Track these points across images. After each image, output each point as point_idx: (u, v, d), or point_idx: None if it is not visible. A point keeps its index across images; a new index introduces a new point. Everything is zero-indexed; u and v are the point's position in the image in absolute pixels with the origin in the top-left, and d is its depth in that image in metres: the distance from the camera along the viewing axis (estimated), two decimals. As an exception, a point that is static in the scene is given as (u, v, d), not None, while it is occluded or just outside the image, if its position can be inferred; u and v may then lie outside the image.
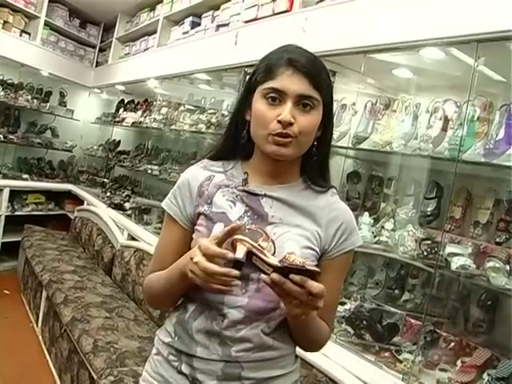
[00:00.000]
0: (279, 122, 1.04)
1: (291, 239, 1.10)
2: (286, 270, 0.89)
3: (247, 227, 1.03)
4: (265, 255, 0.94)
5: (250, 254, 0.92)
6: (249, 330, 1.09)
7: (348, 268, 1.23)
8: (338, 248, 1.15)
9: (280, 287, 0.91)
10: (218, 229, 1.09)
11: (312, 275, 0.90)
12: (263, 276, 0.93)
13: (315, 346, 1.24)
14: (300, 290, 0.89)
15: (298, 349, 1.24)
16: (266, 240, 1.01)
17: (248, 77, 1.18)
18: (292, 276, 0.88)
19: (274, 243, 1.00)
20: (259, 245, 0.98)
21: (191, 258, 0.99)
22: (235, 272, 0.93)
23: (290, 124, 1.04)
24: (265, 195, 1.14)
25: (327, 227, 1.14)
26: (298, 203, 1.14)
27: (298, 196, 1.15)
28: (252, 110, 1.12)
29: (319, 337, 1.19)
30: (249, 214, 1.13)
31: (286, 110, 1.04)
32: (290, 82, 1.06)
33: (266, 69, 1.10)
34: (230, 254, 0.93)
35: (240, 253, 0.92)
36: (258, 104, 1.09)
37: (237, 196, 1.15)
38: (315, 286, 0.90)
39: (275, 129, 1.05)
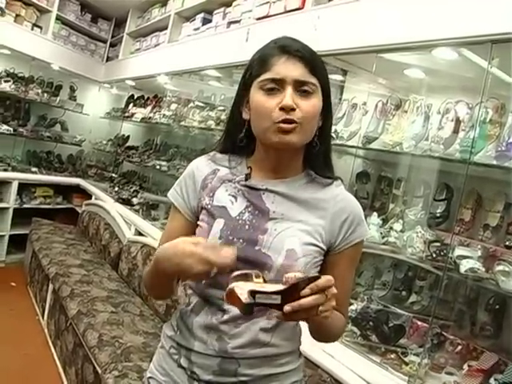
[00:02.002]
0: (281, 109, 1.03)
1: (292, 235, 1.08)
2: (292, 289, 0.88)
3: (235, 274, 0.98)
4: (266, 288, 0.91)
5: (253, 293, 0.89)
6: (247, 326, 1.09)
7: (358, 258, 1.22)
8: (346, 241, 1.13)
9: (300, 312, 0.88)
10: (218, 226, 1.10)
11: (315, 280, 0.88)
12: (278, 316, 0.91)
13: (334, 338, 1.24)
14: (316, 296, 0.87)
15: (302, 348, 1.23)
16: (258, 276, 0.97)
17: (242, 75, 1.17)
18: (303, 292, 0.87)
19: (264, 279, 0.97)
20: (254, 283, 0.94)
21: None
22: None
23: (293, 109, 1.03)
24: (266, 190, 1.13)
25: (333, 220, 1.12)
26: (300, 197, 1.13)
27: (300, 190, 1.14)
28: (251, 104, 1.10)
29: (338, 331, 1.19)
30: (250, 209, 1.12)
31: (287, 95, 1.03)
32: (286, 69, 1.05)
33: (259, 61, 1.10)
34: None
35: (244, 297, 0.89)
36: (257, 96, 1.08)
37: (238, 191, 1.15)
38: (323, 282, 0.88)
39: (278, 116, 1.03)
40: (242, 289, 0.90)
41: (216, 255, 0.95)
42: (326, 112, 1.13)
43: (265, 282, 0.95)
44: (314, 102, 1.07)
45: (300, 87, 1.05)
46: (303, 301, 0.87)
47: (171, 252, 1.01)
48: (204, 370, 1.10)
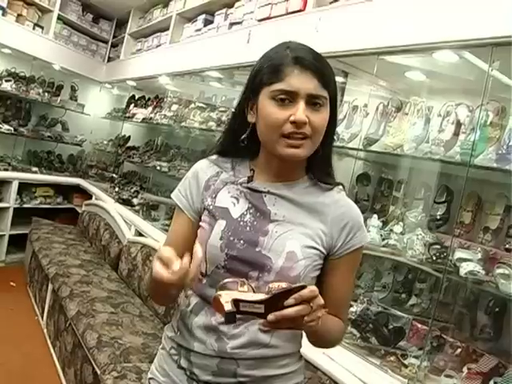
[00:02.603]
0: (292, 122, 1.02)
1: (293, 238, 1.09)
2: (275, 298, 0.88)
3: (223, 282, 0.99)
4: (250, 296, 0.92)
5: (236, 302, 0.90)
6: (246, 326, 1.09)
7: (358, 264, 1.22)
8: (346, 246, 1.13)
9: (283, 321, 0.88)
10: (219, 227, 1.11)
11: (300, 290, 0.88)
12: (263, 323, 0.91)
13: (332, 343, 1.24)
14: (299, 307, 0.87)
15: (301, 350, 1.23)
16: (243, 285, 0.97)
17: (249, 77, 1.15)
18: (286, 302, 0.87)
19: (251, 286, 0.97)
20: (239, 291, 0.95)
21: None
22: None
23: (304, 123, 1.02)
24: (268, 192, 1.13)
25: (333, 225, 1.13)
26: (302, 201, 1.13)
27: (302, 194, 1.14)
28: (259, 112, 1.09)
29: (336, 335, 1.19)
30: (251, 211, 1.13)
31: (300, 110, 1.02)
32: (300, 82, 1.03)
33: (271, 69, 1.07)
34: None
35: (227, 305, 0.89)
36: (267, 106, 1.06)
37: (241, 193, 1.15)
38: (307, 293, 0.88)
39: (288, 130, 1.03)
40: (226, 297, 0.91)
41: (186, 273, 0.95)
42: (332, 120, 1.13)
43: (252, 291, 0.96)
44: (324, 115, 1.06)
45: (312, 100, 1.04)
46: (286, 311, 0.87)
47: (155, 283, 1.01)
48: (203, 371, 1.11)
